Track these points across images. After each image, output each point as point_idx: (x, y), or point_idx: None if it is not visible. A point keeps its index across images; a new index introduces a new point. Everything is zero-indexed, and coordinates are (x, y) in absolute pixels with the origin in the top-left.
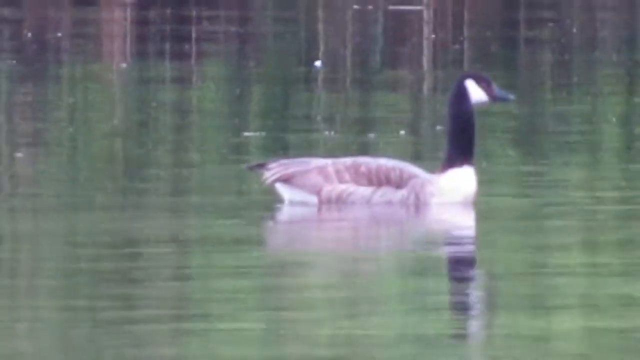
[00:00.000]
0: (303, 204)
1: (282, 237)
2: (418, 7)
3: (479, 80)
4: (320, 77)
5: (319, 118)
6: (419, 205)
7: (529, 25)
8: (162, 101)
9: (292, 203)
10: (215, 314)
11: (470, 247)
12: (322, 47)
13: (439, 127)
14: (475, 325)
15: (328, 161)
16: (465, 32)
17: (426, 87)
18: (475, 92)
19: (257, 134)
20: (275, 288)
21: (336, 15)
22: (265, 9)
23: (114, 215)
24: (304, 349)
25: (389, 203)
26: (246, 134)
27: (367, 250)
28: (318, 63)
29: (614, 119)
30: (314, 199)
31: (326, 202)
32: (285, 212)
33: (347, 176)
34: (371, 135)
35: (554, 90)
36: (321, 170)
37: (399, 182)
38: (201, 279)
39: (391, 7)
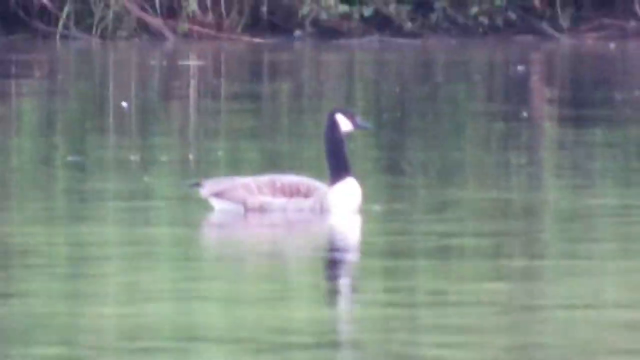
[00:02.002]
0: (232, 212)
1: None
2: (201, 62)
3: (345, 114)
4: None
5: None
6: (322, 211)
7: None
8: None
9: (223, 212)
10: None
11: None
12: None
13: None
14: None
15: (249, 179)
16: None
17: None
18: (344, 123)
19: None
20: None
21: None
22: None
23: None
24: None
25: (300, 210)
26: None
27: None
28: (124, 104)
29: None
30: (240, 209)
31: (250, 211)
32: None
33: (265, 190)
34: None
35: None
36: (245, 186)
37: (307, 193)
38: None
39: (180, 63)
